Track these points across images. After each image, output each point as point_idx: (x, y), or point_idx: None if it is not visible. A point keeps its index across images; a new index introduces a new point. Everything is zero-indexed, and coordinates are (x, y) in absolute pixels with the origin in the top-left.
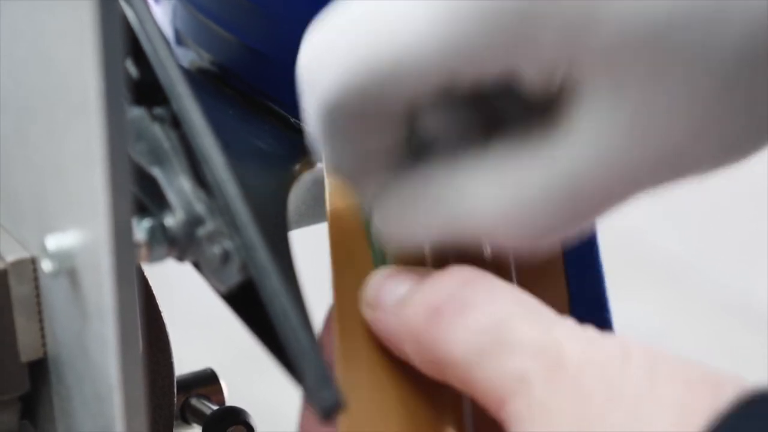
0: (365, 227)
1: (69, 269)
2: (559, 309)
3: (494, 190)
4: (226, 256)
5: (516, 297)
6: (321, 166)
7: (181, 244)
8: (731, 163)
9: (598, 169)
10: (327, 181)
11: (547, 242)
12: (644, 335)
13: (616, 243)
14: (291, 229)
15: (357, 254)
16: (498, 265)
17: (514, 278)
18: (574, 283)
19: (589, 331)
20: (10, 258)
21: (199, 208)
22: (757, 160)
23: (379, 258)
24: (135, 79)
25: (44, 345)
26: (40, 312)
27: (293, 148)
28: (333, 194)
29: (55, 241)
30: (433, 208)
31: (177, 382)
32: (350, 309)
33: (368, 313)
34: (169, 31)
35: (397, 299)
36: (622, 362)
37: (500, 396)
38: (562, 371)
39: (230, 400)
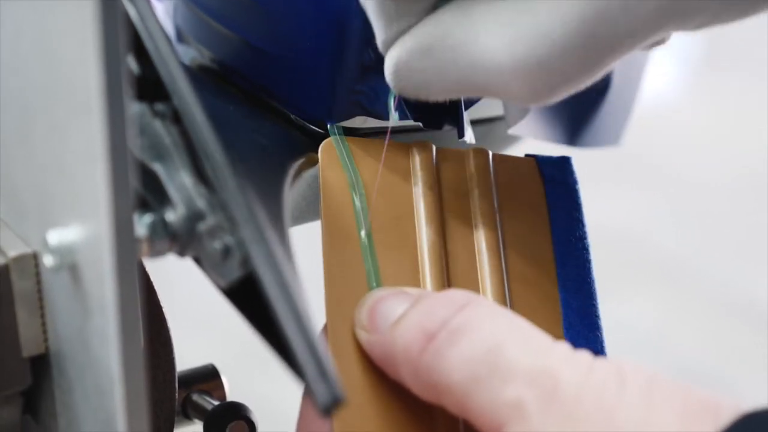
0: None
1: (70, 264)
2: (553, 331)
3: (509, 34)
4: (226, 251)
5: (510, 322)
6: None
7: (182, 239)
8: (733, 16)
9: (615, 11)
10: (321, 186)
11: (557, 96)
12: (645, 334)
13: (617, 242)
14: (291, 225)
15: (350, 269)
16: (494, 284)
17: (508, 300)
18: (567, 304)
19: (584, 356)
20: (12, 253)
21: (200, 203)
22: (758, 159)
23: (373, 274)
24: (137, 75)
25: (46, 340)
26: (41, 307)
27: (294, 145)
28: (327, 203)
29: (56, 237)
30: (449, 56)
31: (178, 377)
32: (342, 328)
33: (362, 336)
34: (170, 29)
35: (391, 323)
36: (618, 388)
37: (496, 423)
38: (557, 398)
39: (231, 396)
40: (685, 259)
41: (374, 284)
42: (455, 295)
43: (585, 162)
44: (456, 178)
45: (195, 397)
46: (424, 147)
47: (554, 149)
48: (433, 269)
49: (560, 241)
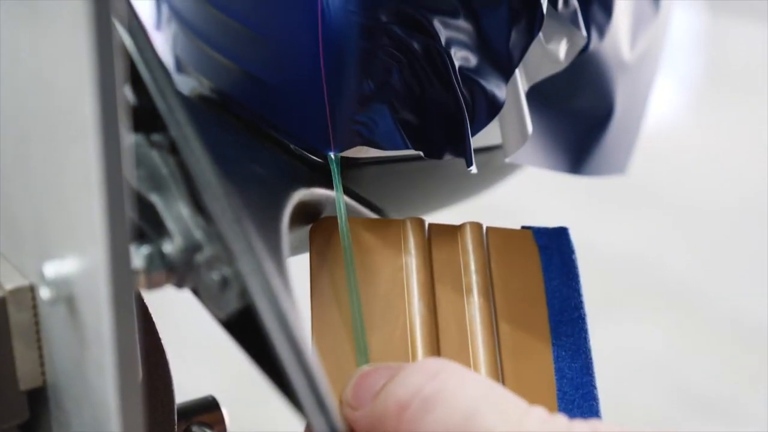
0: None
1: (67, 297)
2: (547, 402)
3: None
4: (224, 283)
5: (485, 388)
6: (322, 192)
7: (179, 271)
8: None
9: None
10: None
11: None
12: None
13: (625, 266)
14: (290, 256)
15: (339, 346)
16: (486, 357)
17: (500, 373)
18: (562, 375)
19: (560, 420)
20: (9, 286)
21: (198, 234)
22: (766, 182)
23: (362, 350)
24: (133, 105)
25: (43, 373)
26: (38, 340)
27: (293, 175)
28: (316, 280)
29: (53, 269)
30: None
31: (177, 409)
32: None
33: (347, 414)
34: (169, 59)
35: (371, 397)
36: None
37: None
38: None
39: (232, 428)
40: (695, 283)
41: (362, 361)
42: (428, 363)
43: (595, 186)
44: (449, 252)
45: (195, 429)
46: (417, 223)
47: (556, 177)
48: (425, 343)
49: (555, 312)
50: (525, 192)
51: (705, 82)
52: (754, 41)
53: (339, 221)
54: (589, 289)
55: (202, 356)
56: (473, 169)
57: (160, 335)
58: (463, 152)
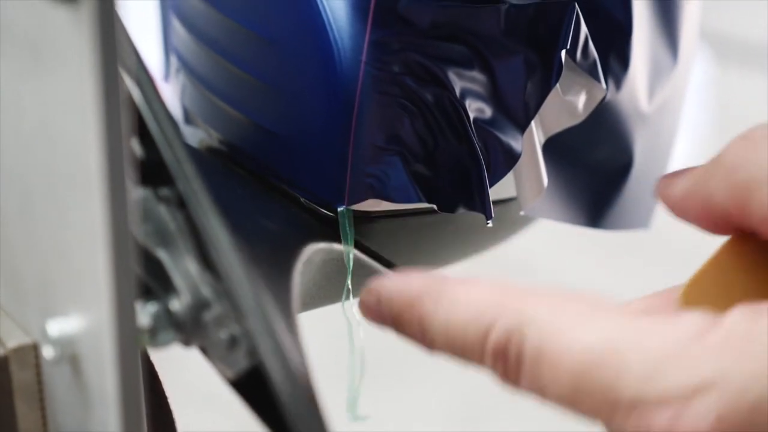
0: None
1: (71, 356)
2: None
3: None
4: (233, 341)
5: None
6: (332, 246)
7: (187, 329)
8: None
9: None
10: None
11: None
12: None
13: None
14: (301, 312)
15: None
16: None
17: None
18: None
19: None
20: (12, 344)
21: (206, 291)
22: None
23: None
24: (141, 158)
25: None
26: (41, 399)
27: (304, 229)
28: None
29: (57, 327)
30: None
31: None
32: None
33: None
34: (178, 110)
35: None
36: None
37: None
38: None
39: None
40: None
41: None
42: None
43: (604, 237)
44: None
45: None
46: None
47: (574, 230)
48: None
49: None
50: (539, 243)
51: (715, 134)
52: (760, 92)
53: (347, 276)
54: None
55: (209, 414)
56: (490, 222)
57: (167, 392)
58: (480, 205)
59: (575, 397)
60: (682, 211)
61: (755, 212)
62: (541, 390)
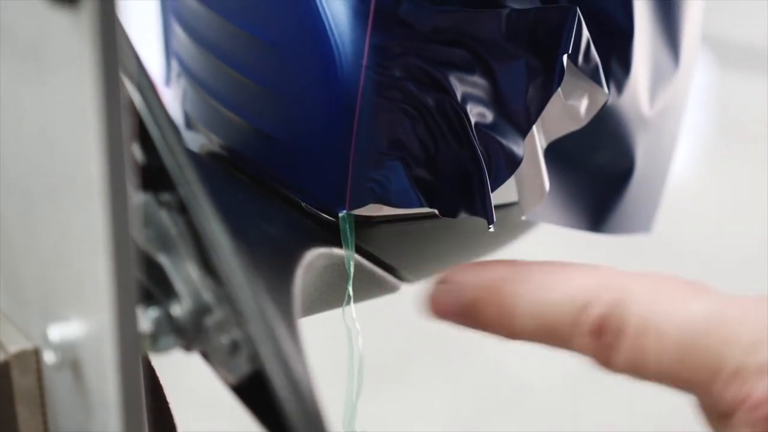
0: None
1: (72, 361)
2: None
3: None
4: (234, 347)
5: None
6: (333, 251)
7: (188, 334)
8: None
9: None
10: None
11: None
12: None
13: None
14: (302, 317)
15: None
16: None
17: None
18: None
19: None
20: (13, 349)
21: (207, 296)
22: None
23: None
24: (141, 163)
25: None
26: (43, 404)
27: (305, 234)
28: None
29: (58, 332)
30: None
31: None
32: None
33: None
34: (178, 115)
35: None
36: None
37: None
38: None
39: None
40: None
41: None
42: None
43: (606, 241)
44: None
45: None
46: None
47: (575, 234)
48: None
49: None
50: (541, 248)
51: (716, 137)
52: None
53: (348, 281)
54: None
55: (211, 421)
56: (492, 227)
57: (168, 397)
58: (482, 210)
59: (678, 367)
60: None
61: None
62: (641, 363)
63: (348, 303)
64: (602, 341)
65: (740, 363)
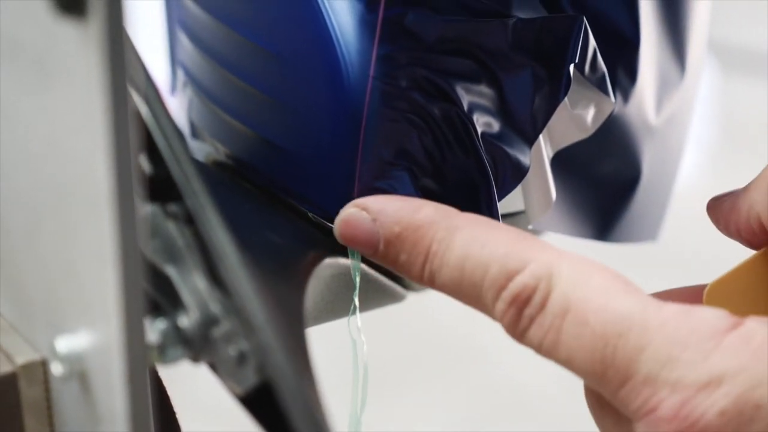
0: None
1: (80, 372)
2: None
3: None
4: (242, 358)
5: None
6: (339, 261)
7: (195, 345)
8: None
9: None
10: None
11: None
12: None
13: None
14: (310, 326)
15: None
16: None
17: None
18: None
19: None
20: (20, 360)
21: (215, 307)
22: None
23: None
24: (149, 175)
25: None
26: (50, 415)
27: (312, 244)
28: None
29: (65, 343)
30: None
31: None
32: None
33: None
34: (184, 124)
35: None
36: None
37: None
38: None
39: None
40: None
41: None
42: None
43: (612, 250)
44: None
45: None
46: None
47: (582, 243)
48: None
49: None
50: None
51: (720, 143)
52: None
53: (354, 290)
54: None
55: (215, 422)
56: None
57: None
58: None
59: (589, 359)
60: (728, 224)
61: None
62: (553, 343)
63: (353, 313)
64: (521, 311)
65: (653, 374)
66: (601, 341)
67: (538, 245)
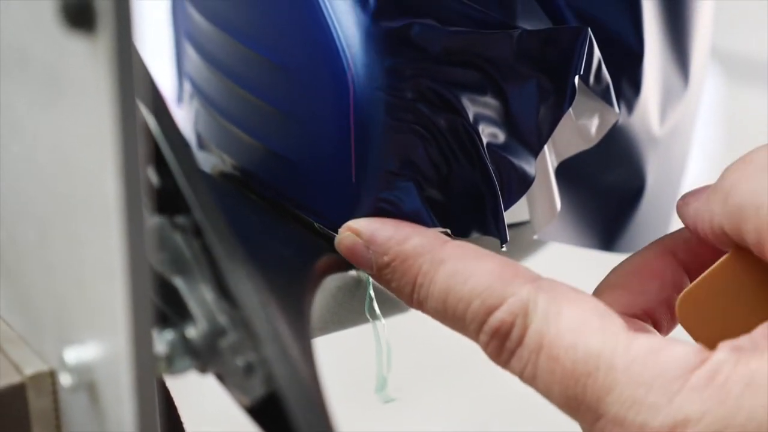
0: None
1: (88, 383)
2: None
3: None
4: (249, 368)
5: None
6: (345, 272)
7: (203, 356)
8: None
9: None
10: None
11: None
12: None
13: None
14: (316, 337)
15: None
16: None
17: None
18: None
19: None
20: (29, 371)
21: (222, 319)
22: None
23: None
24: (156, 187)
25: None
26: (59, 426)
27: (319, 255)
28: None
29: (74, 354)
30: None
31: None
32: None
33: None
34: (191, 136)
35: None
36: None
37: None
38: None
39: None
40: None
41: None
42: None
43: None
44: None
45: None
46: None
47: (587, 253)
48: None
49: None
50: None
51: (722, 150)
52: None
53: (366, 301)
54: None
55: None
56: (505, 246)
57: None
58: (495, 229)
59: (564, 396)
60: (695, 229)
61: (748, 236)
62: (531, 376)
63: (370, 304)
64: (502, 344)
65: (620, 415)
66: (572, 379)
67: (519, 278)
